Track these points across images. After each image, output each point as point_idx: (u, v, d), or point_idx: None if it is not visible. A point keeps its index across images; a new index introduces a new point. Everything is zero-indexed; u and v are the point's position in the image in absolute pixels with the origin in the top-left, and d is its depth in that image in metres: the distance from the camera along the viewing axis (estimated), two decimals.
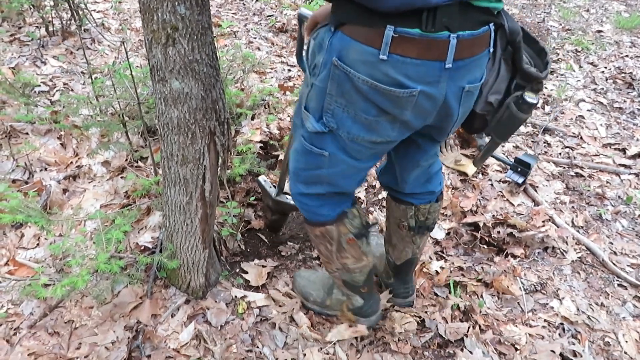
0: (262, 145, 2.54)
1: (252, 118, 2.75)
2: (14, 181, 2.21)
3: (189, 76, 1.32)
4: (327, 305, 1.88)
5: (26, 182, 2.22)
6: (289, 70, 3.64)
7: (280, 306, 1.91)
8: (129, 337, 1.69)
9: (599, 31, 5.13)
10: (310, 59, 1.29)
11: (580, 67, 4.30)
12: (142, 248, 1.95)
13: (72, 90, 2.91)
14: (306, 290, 1.92)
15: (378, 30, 1.07)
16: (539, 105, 3.58)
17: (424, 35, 1.06)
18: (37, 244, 1.99)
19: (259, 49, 3.90)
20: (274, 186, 2.14)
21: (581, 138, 3.23)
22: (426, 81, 1.13)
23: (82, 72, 3.10)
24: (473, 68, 1.19)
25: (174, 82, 1.32)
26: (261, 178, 2.21)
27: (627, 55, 4.52)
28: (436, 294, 2.01)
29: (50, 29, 3.42)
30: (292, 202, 2.06)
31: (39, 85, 2.86)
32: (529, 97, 1.28)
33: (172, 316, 1.79)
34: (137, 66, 2.91)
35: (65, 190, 2.23)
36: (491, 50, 1.23)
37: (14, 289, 1.76)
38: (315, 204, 1.53)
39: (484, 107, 1.33)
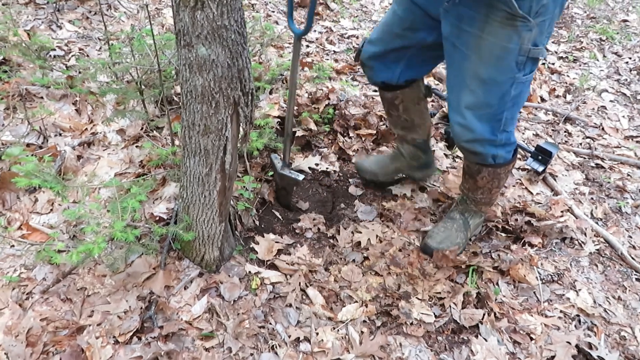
0: (279, 120, 2.50)
1: (270, 92, 2.70)
2: (28, 145, 2.18)
3: (216, 42, 1.27)
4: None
5: (40, 147, 2.19)
6: (307, 47, 3.57)
7: (286, 277, 1.91)
8: (141, 307, 1.68)
9: (625, 20, 5.00)
10: (534, 5, 1.45)
11: (604, 56, 4.20)
12: (157, 218, 1.93)
13: (87, 55, 2.87)
14: (448, 243, 2.06)
15: None
16: (560, 94, 3.51)
17: None
18: (51, 210, 1.97)
19: (277, 22, 3.82)
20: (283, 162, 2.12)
21: (603, 129, 3.17)
22: None
23: (98, 38, 3.05)
24: None
25: (201, 48, 1.28)
26: (274, 155, 2.19)
27: None
28: (451, 280, 1.98)
29: None
30: (293, 176, 2.06)
31: (54, 50, 2.81)
32: None
33: (185, 288, 1.78)
34: (156, 34, 2.84)
35: (79, 157, 2.20)
36: None
37: (27, 253, 1.75)
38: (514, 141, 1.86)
39: None
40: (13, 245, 1.80)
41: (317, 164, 2.48)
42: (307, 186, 2.39)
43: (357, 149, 2.61)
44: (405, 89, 2.06)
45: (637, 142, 3.07)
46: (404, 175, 2.41)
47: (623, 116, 3.33)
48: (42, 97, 2.43)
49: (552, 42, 4.33)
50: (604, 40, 4.48)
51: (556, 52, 4.16)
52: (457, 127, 1.75)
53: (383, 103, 2.20)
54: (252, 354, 1.62)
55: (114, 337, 1.58)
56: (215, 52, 1.29)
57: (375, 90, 3.21)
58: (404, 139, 2.27)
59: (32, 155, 2.05)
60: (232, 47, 1.31)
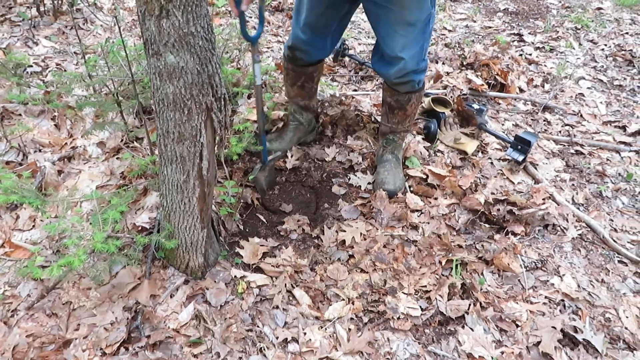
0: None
1: (249, 97, 2.71)
2: (7, 163, 2.18)
3: (184, 50, 1.28)
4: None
5: (20, 164, 2.19)
6: None
7: (272, 279, 1.92)
8: (128, 318, 1.68)
9: (599, 8, 5.07)
10: None
11: (580, 44, 4.26)
12: (140, 228, 1.93)
13: (64, 70, 2.86)
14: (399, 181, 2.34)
15: None
16: (537, 83, 3.55)
17: None
18: (33, 226, 1.96)
19: (254, 28, 3.83)
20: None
21: (581, 116, 3.21)
22: None
23: (74, 52, 3.04)
24: None
25: (169, 56, 1.29)
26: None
27: (627, 33, 4.48)
28: (436, 273, 2.00)
29: (42, 9, 3.36)
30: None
31: (31, 66, 2.81)
32: None
33: (171, 296, 1.78)
34: (131, 45, 2.84)
35: (60, 172, 2.19)
36: None
37: (11, 271, 1.75)
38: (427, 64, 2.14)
39: None
40: None
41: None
42: (290, 188, 2.40)
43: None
44: (323, 61, 2.34)
45: (615, 127, 3.12)
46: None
47: (601, 102, 3.37)
48: (20, 114, 2.43)
49: (529, 33, 4.37)
50: (579, 29, 4.54)
51: (533, 43, 4.21)
52: (394, 69, 2.03)
53: (296, 79, 2.36)
54: (240, 358, 1.63)
55: (101, 348, 1.58)
56: (183, 59, 1.30)
57: (355, 90, 3.23)
58: (306, 108, 2.51)
59: (12, 172, 2.04)
60: (201, 53, 1.32)
